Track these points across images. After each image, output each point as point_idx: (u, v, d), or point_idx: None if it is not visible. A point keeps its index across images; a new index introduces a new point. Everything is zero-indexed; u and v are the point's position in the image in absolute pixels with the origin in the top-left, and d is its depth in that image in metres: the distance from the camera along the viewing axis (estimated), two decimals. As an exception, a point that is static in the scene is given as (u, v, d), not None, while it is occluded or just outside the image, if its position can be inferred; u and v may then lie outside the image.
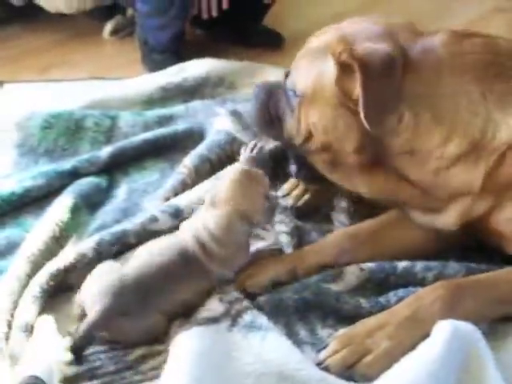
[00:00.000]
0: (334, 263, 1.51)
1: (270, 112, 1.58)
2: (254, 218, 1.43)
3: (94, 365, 1.30)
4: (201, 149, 1.93)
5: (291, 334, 1.37)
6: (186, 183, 1.82)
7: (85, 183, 1.83)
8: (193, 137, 2.06)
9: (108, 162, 1.92)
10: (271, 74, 2.47)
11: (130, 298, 1.33)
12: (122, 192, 1.87)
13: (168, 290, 1.36)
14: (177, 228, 1.55)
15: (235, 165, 1.66)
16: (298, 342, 1.35)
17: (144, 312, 1.33)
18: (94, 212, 1.77)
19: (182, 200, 1.72)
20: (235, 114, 2.11)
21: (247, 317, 1.35)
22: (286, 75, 1.59)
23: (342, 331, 1.35)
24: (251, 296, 1.44)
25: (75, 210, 1.72)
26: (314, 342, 1.37)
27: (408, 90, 1.35)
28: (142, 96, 2.30)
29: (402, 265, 1.47)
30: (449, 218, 1.44)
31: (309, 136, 1.48)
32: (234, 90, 2.39)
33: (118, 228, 1.62)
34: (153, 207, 1.74)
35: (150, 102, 2.30)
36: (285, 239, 1.64)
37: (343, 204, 1.72)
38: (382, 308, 1.38)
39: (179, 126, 2.10)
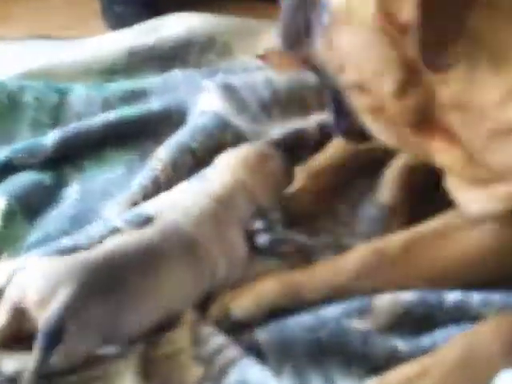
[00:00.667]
0: (352, 287, 1.53)
1: (299, 24, 1.53)
2: (261, 199, 1.50)
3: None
4: (180, 136, 1.96)
5: (301, 387, 1.39)
6: (159, 182, 1.84)
7: (22, 180, 1.85)
8: (170, 119, 2.08)
9: (54, 151, 1.94)
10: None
11: (104, 274, 1.36)
12: (72, 193, 1.89)
13: (156, 270, 1.43)
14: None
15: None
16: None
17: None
18: (33, 219, 1.79)
19: (154, 205, 1.73)
20: (229, 90, 2.13)
21: (235, 374, 1.37)
22: None
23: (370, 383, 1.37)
24: (237, 325, 1.47)
25: (8, 217, 1.74)
26: (333, 398, 1.39)
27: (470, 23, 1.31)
28: (102, 63, 2.33)
29: (452, 297, 1.49)
30: (499, 199, 1.45)
31: (341, 67, 1.48)
32: (229, 57, 2.42)
33: (66, 243, 1.63)
34: (114, 215, 1.76)
35: (112, 71, 2.33)
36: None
37: (372, 211, 1.76)
38: (426, 352, 1.39)
39: (152, 104, 2.12)
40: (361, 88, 1.48)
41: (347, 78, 1.48)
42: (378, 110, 1.48)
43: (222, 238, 1.53)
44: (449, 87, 1.40)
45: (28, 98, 2.11)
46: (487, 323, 1.37)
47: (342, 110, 1.57)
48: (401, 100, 1.43)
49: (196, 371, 1.40)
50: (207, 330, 1.45)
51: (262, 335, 1.45)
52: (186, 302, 1.48)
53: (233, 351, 1.41)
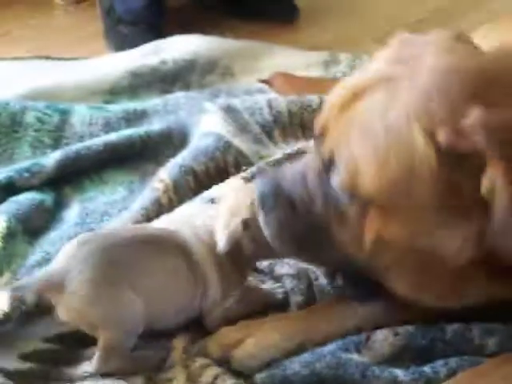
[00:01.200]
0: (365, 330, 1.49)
1: (300, 222, 1.37)
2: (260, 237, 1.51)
3: None
4: (182, 157, 1.96)
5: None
6: (161, 203, 1.84)
7: (23, 201, 1.85)
8: (172, 141, 2.09)
9: (56, 172, 1.94)
10: (281, 57, 2.52)
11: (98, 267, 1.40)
12: (73, 214, 1.89)
13: (149, 262, 1.45)
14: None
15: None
16: None
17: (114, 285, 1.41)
18: (34, 240, 1.78)
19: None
20: (231, 112, 2.14)
21: None
22: (317, 138, 1.34)
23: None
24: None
25: (9, 237, 1.73)
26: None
27: None
28: (104, 83, 2.34)
29: (453, 328, 1.47)
30: None
31: (380, 249, 1.32)
32: (231, 79, 2.44)
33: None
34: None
35: (114, 91, 2.34)
36: (289, 284, 1.64)
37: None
38: (428, 381, 1.38)
39: (154, 125, 2.13)
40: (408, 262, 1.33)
41: (391, 256, 1.32)
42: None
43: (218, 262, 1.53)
44: None
45: (30, 118, 2.12)
46: (493, 363, 1.36)
47: (357, 280, 1.47)
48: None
49: None
50: (202, 361, 1.45)
51: (258, 375, 1.44)
52: (178, 310, 1.48)
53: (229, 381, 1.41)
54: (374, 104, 1.22)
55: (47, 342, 1.50)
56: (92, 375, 1.42)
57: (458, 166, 1.17)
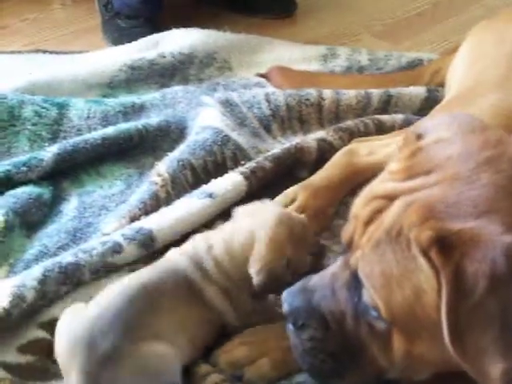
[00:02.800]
0: None
1: (332, 340, 1.34)
2: (299, 267, 1.51)
3: None
4: (180, 151, 1.96)
5: None
6: (159, 198, 1.84)
7: (21, 195, 1.85)
8: (170, 135, 2.09)
9: (53, 166, 1.94)
10: (279, 50, 2.52)
11: (111, 336, 1.38)
12: (71, 207, 1.89)
13: (158, 307, 1.43)
14: (145, 262, 1.59)
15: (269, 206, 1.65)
16: None
17: (135, 345, 1.38)
18: (32, 234, 1.79)
19: (155, 222, 1.73)
20: (229, 106, 2.15)
21: None
22: (346, 249, 1.34)
23: None
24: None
25: (7, 231, 1.74)
26: None
27: None
28: (102, 77, 2.34)
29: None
30: None
31: (412, 363, 1.30)
32: (229, 72, 2.43)
33: (67, 259, 1.63)
34: (113, 230, 1.75)
35: (112, 85, 2.34)
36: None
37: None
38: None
39: (152, 119, 2.12)
40: None
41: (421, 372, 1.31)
42: None
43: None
44: None
45: (27, 112, 2.12)
46: None
47: None
48: None
49: None
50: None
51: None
52: (196, 344, 1.48)
53: None
54: (388, 222, 1.25)
55: (43, 329, 1.51)
56: None
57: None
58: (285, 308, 1.36)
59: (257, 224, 1.53)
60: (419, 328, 1.23)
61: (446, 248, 1.16)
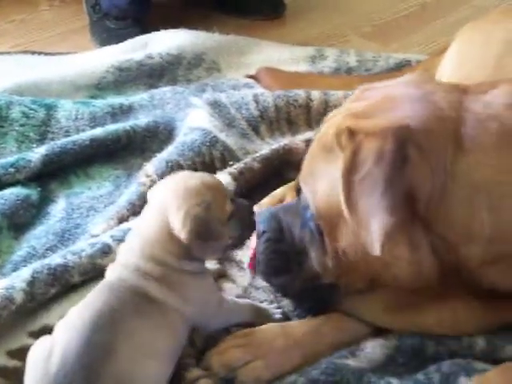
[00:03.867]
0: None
1: (284, 251, 1.53)
2: (222, 214, 1.47)
3: None
4: (169, 152, 1.96)
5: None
6: (147, 198, 1.84)
7: (9, 197, 1.85)
8: (158, 136, 2.09)
9: (41, 167, 1.94)
10: (268, 52, 2.52)
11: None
12: (59, 208, 1.89)
13: (121, 331, 1.36)
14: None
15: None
16: None
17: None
18: (19, 235, 1.79)
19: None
20: (217, 107, 2.15)
21: None
22: (298, 190, 1.56)
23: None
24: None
25: (-6, 232, 1.75)
26: None
27: (468, 180, 1.33)
28: (90, 78, 2.34)
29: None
30: None
31: (341, 266, 1.46)
32: (217, 73, 2.44)
33: (56, 260, 1.63)
34: (101, 231, 1.76)
35: (100, 86, 2.34)
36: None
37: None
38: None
39: (140, 120, 2.13)
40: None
41: (355, 278, 1.46)
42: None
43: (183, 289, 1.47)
44: (477, 244, 1.36)
45: (15, 113, 2.11)
46: (499, 370, 1.39)
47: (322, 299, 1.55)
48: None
49: None
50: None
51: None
52: (170, 352, 1.43)
53: None
54: (322, 131, 1.47)
55: (33, 337, 1.50)
56: None
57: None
58: (259, 228, 1.55)
59: (164, 193, 1.49)
60: (339, 220, 1.39)
61: (353, 134, 1.34)
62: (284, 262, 1.52)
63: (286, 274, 1.52)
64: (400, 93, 1.44)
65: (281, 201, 1.86)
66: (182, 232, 1.41)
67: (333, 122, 1.43)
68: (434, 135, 1.33)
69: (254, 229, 1.55)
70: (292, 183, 1.90)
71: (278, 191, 1.87)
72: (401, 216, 1.29)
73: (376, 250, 1.30)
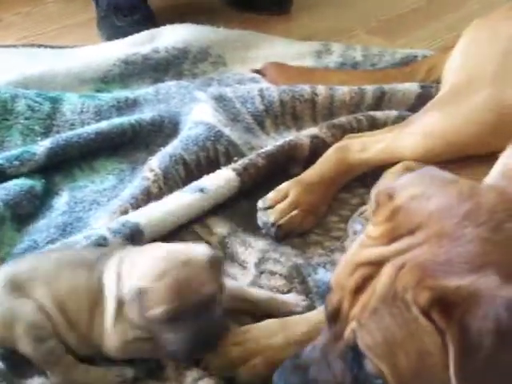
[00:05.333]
0: None
1: None
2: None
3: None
4: (173, 147, 1.95)
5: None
6: (151, 193, 1.84)
7: (12, 188, 1.84)
8: (163, 130, 2.08)
9: (46, 160, 1.94)
10: (274, 46, 2.51)
11: None
12: (62, 202, 1.89)
13: None
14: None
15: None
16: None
17: None
18: (22, 227, 1.79)
19: (144, 216, 1.72)
20: (222, 101, 2.14)
21: None
22: (331, 319, 1.29)
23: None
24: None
25: (-3, 223, 1.74)
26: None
27: None
28: (96, 72, 2.33)
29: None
30: None
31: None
32: (223, 68, 2.43)
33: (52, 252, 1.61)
34: (103, 224, 1.74)
35: (105, 80, 2.33)
36: (279, 282, 1.67)
37: (358, 227, 1.76)
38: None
39: (145, 114, 2.12)
40: None
41: None
42: None
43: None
44: None
45: (20, 106, 2.11)
46: None
47: None
48: None
49: None
50: (194, 375, 1.45)
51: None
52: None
53: None
54: (381, 288, 1.21)
55: None
56: None
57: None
58: None
59: None
60: None
61: (447, 307, 1.13)
62: None
63: None
64: (454, 218, 1.22)
65: (285, 196, 1.85)
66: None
67: (391, 272, 1.20)
68: None
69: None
70: (296, 178, 1.90)
71: (282, 186, 1.87)
72: None
73: None
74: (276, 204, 1.83)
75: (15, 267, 1.50)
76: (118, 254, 1.48)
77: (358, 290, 1.23)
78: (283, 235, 1.80)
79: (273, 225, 1.80)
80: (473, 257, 1.17)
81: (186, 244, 1.50)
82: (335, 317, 1.27)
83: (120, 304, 1.41)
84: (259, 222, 1.82)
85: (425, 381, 1.19)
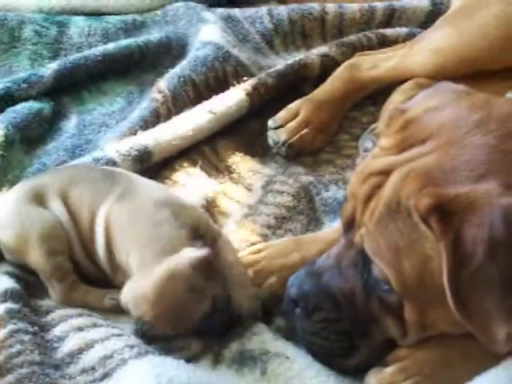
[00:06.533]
0: None
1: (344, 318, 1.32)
2: None
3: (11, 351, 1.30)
4: (181, 68, 1.94)
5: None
6: (160, 114, 1.82)
7: (21, 111, 1.83)
8: (171, 51, 2.07)
9: (54, 83, 1.93)
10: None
11: None
12: (71, 124, 1.88)
13: None
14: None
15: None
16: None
17: None
18: (31, 150, 1.78)
19: (152, 137, 1.70)
20: (230, 21, 2.12)
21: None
22: (346, 228, 1.32)
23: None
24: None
25: (7, 146, 1.73)
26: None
27: None
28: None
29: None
30: None
31: (425, 330, 1.29)
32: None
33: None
34: (112, 146, 1.71)
35: (112, 2, 2.30)
36: (286, 199, 1.67)
37: (369, 144, 1.74)
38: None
39: (152, 35, 2.10)
40: None
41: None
42: None
43: None
44: None
45: (28, 32, 2.10)
46: None
47: None
48: None
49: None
50: None
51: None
52: None
53: None
54: (387, 195, 1.23)
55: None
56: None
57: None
58: (293, 293, 1.34)
59: None
60: (429, 297, 1.23)
61: (445, 215, 1.15)
62: (348, 340, 1.32)
63: (349, 353, 1.34)
64: (463, 128, 1.23)
65: (296, 114, 1.84)
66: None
67: (396, 180, 1.22)
68: None
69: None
70: (307, 96, 1.88)
71: (293, 105, 1.86)
72: None
73: (500, 348, 1.17)
74: (287, 123, 1.82)
75: (36, 179, 1.51)
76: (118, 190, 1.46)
77: (369, 198, 1.26)
78: (294, 154, 1.79)
79: (283, 143, 1.79)
80: (477, 164, 1.18)
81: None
82: (350, 225, 1.31)
83: None
84: (270, 141, 1.81)
85: (426, 288, 1.21)
